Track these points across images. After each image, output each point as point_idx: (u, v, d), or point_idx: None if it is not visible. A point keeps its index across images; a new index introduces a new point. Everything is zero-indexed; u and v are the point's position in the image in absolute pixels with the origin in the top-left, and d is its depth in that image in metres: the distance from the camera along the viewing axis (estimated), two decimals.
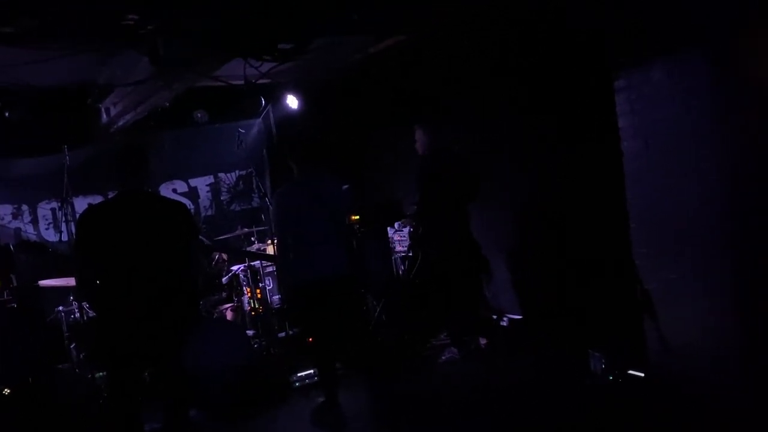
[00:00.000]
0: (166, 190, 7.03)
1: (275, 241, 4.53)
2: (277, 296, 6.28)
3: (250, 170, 7.20)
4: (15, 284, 5.27)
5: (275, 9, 3.19)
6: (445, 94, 6.20)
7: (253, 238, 6.42)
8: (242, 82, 4.97)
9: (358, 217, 6.48)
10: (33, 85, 5.04)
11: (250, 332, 5.83)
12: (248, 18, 3.29)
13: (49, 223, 6.62)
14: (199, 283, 3.85)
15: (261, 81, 5.29)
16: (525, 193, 6.03)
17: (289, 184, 4.61)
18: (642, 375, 4.37)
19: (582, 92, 5.07)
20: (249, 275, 6.04)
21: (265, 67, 4.44)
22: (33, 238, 6.42)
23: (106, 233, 3.54)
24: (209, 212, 7.32)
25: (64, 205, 5.22)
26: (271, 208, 4.52)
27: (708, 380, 4.13)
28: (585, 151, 5.20)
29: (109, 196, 6.59)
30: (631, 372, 4.46)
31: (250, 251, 6.03)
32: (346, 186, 5.91)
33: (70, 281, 5.28)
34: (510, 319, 6.19)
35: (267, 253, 6.24)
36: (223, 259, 6.10)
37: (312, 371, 5.29)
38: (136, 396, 3.76)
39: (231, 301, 6.12)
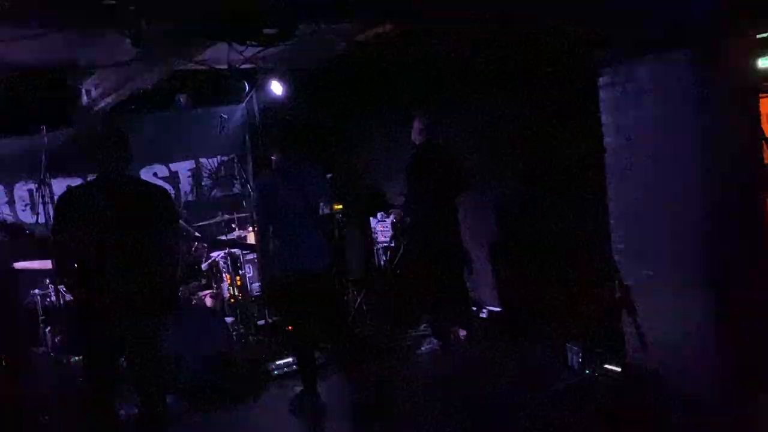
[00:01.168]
0: (146, 174, 6.93)
1: (256, 228, 4.50)
2: (257, 284, 6.25)
3: (232, 156, 7.14)
4: None
5: None
6: (433, 86, 6.19)
7: (234, 225, 6.38)
8: (223, 66, 4.92)
9: (341, 206, 6.47)
10: (12, 64, 4.93)
11: (228, 319, 5.80)
12: (234, 1, 3.25)
13: (25, 205, 6.50)
14: (178, 268, 3.81)
15: (245, 66, 5.22)
16: (508, 187, 6.05)
17: (271, 172, 4.58)
18: (618, 370, 4.41)
19: (568, 88, 5.08)
20: (229, 262, 6.00)
21: (249, 52, 4.40)
22: (9, 219, 6.31)
23: (86, 216, 3.48)
24: (190, 197, 7.24)
25: (42, 187, 5.13)
26: (252, 195, 4.49)
27: (684, 377, 4.18)
28: (568, 147, 5.22)
29: (89, 179, 6.54)
30: (607, 366, 4.50)
31: (228, 240, 5.99)
32: (329, 175, 5.89)
33: (46, 264, 5.19)
34: (489, 312, 6.22)
35: (247, 241, 6.20)
36: (204, 246, 6.05)
37: (291, 360, 5.27)
38: (111, 381, 3.73)
39: (210, 287, 6.07)
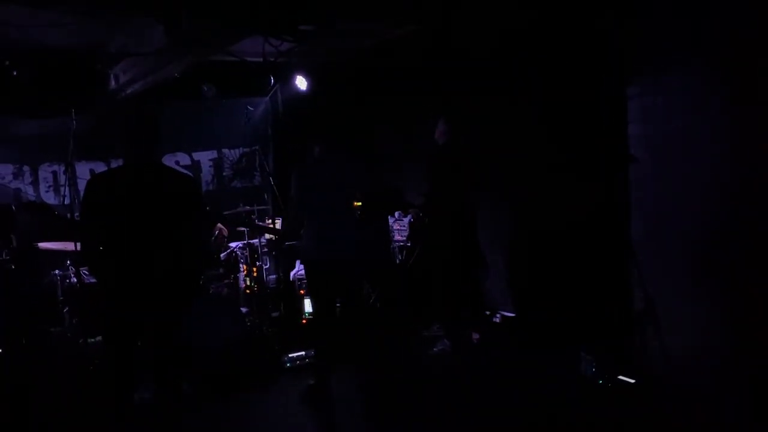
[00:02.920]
0: (168, 162, 6.98)
1: (287, 214, 4.56)
2: (273, 276, 6.29)
3: (254, 148, 7.19)
4: (14, 245, 5.24)
5: None
6: (456, 88, 6.21)
7: (254, 216, 6.40)
8: (255, 58, 4.97)
9: (359, 203, 6.48)
10: (44, 46, 5.00)
11: (243, 310, 5.84)
12: None
13: (49, 186, 6.58)
14: (202, 256, 3.83)
15: (270, 59, 5.26)
16: (527, 191, 6.04)
17: (313, 161, 4.62)
18: (632, 381, 4.39)
19: (593, 96, 5.08)
20: (247, 253, 6.04)
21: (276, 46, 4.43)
22: (33, 199, 6.38)
23: (114, 200, 3.50)
24: (210, 187, 7.29)
25: (68, 169, 5.19)
26: (292, 180, 4.54)
27: (702, 391, 4.15)
28: (590, 154, 5.22)
29: (112, 163, 6.61)
30: (621, 377, 4.49)
31: (259, 224, 6.05)
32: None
33: (68, 245, 5.26)
34: (503, 316, 6.22)
35: (265, 235, 6.22)
36: (223, 236, 6.09)
37: (303, 353, 5.30)
38: (130, 365, 3.75)
39: (227, 277, 6.11)
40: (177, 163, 7.13)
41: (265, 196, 6.68)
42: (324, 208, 4.50)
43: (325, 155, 4.60)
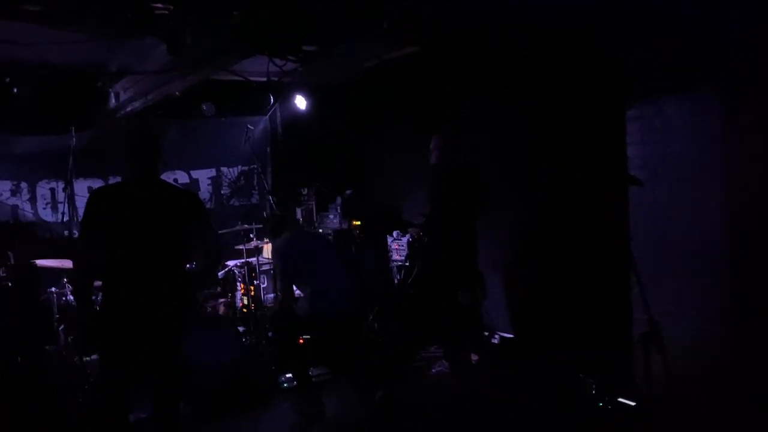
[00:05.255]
0: (167, 180, 6.99)
1: (279, 285, 4.68)
2: (271, 295, 6.26)
3: (253, 166, 7.19)
4: (12, 263, 5.21)
5: (304, 10, 3.20)
6: (456, 107, 6.25)
7: (252, 235, 6.40)
8: (257, 78, 5.00)
9: (359, 222, 6.49)
10: (45, 63, 5.01)
11: (240, 329, 5.80)
12: (276, 17, 3.30)
13: (47, 203, 6.56)
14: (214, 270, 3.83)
15: (271, 79, 5.28)
16: (525, 212, 6.05)
17: (291, 234, 4.78)
18: (633, 404, 4.37)
19: (593, 117, 5.11)
20: (245, 271, 6.02)
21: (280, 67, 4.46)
22: (30, 216, 6.36)
23: (117, 215, 3.46)
24: (209, 205, 7.29)
25: (68, 187, 5.18)
26: (276, 263, 4.68)
27: (704, 414, 4.14)
28: (590, 176, 5.24)
29: (110, 180, 6.60)
30: (621, 400, 4.47)
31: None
32: (349, 191, 5.90)
33: (66, 263, 5.23)
34: (501, 337, 6.20)
35: (263, 253, 6.21)
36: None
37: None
38: (127, 385, 3.71)
39: (224, 296, 6.08)
40: (175, 180, 7.14)
41: (264, 215, 6.66)
42: (316, 273, 4.64)
43: (299, 225, 4.72)
